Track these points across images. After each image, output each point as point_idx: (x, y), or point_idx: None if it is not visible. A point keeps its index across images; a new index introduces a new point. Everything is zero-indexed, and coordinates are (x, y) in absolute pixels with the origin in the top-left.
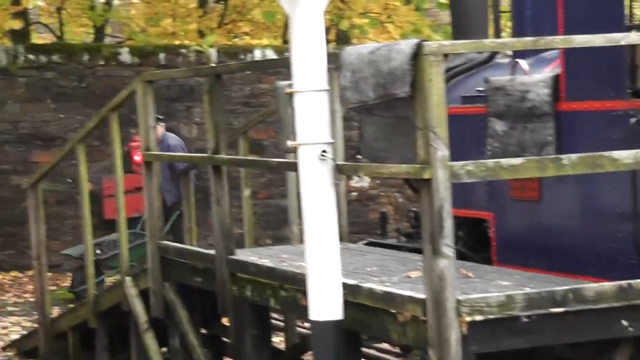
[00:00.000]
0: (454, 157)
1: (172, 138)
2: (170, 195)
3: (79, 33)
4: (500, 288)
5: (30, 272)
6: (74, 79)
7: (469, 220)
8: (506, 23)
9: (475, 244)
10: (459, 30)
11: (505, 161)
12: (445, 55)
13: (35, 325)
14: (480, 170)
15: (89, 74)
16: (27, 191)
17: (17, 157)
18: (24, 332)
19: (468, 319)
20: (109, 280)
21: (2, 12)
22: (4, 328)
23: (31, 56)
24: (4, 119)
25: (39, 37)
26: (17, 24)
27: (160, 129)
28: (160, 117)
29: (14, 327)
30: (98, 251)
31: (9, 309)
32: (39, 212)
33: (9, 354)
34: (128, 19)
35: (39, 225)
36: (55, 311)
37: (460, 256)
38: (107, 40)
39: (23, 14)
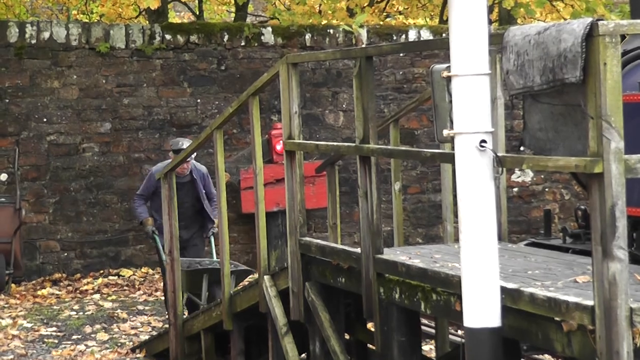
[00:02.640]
0: (630, 149)
1: (202, 166)
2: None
3: (220, 12)
4: None
5: None
6: (213, 61)
7: None
8: None
9: None
10: (639, 8)
11: None
12: (623, 37)
13: (166, 326)
14: None
15: (229, 56)
16: (161, 181)
17: (150, 145)
18: (154, 333)
19: None
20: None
21: None
22: (134, 328)
23: (168, 36)
24: (137, 103)
25: (177, 16)
26: (154, 3)
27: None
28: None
29: (144, 327)
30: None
31: (139, 307)
32: (172, 204)
33: (139, 355)
34: None
35: (173, 217)
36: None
37: (634, 260)
38: (249, 20)
39: None
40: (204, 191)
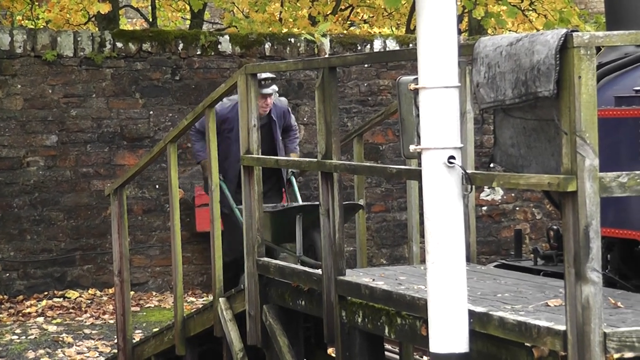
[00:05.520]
0: (605, 167)
1: (283, 100)
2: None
3: (174, 18)
4: None
5: (110, 290)
6: (167, 70)
7: (619, 241)
8: None
9: (626, 270)
10: (615, 19)
11: None
12: (598, 49)
13: (115, 351)
14: (636, 183)
15: (184, 65)
16: (110, 197)
17: (99, 159)
18: (102, 359)
19: (616, 355)
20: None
21: None
22: (80, 353)
23: (119, 44)
24: (86, 115)
25: (129, 23)
26: (104, 8)
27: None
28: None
29: (91, 353)
30: None
31: (86, 331)
32: (122, 222)
33: None
34: (230, 3)
35: (122, 236)
36: (138, 335)
37: (609, 283)
38: (206, 27)
39: None
40: (279, 134)
